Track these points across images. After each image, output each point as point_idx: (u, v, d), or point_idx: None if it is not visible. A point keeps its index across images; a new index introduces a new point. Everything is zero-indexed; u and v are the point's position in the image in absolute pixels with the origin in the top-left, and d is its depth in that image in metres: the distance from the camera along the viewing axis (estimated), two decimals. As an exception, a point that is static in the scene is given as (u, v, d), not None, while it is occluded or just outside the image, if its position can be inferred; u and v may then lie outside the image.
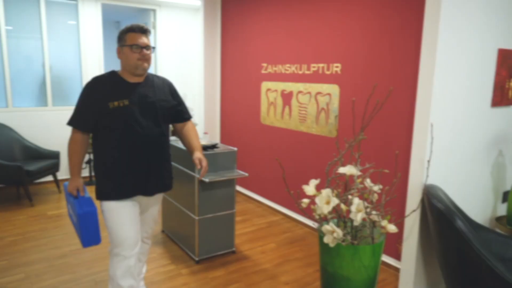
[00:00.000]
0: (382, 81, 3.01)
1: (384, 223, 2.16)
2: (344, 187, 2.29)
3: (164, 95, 2.22)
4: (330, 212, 2.22)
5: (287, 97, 4.05)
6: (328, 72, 3.53)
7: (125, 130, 2.06)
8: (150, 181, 2.18)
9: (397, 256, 3.04)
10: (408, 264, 2.58)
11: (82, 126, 2.07)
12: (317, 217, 2.30)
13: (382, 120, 3.02)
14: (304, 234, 3.74)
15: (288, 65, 3.98)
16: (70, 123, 2.09)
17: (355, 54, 3.25)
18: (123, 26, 2.40)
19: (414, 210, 2.45)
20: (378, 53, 3.05)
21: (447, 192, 2.56)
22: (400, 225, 2.68)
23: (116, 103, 2.03)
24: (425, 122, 2.40)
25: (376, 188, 2.31)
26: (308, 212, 2.45)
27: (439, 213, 2.17)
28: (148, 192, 2.20)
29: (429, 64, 2.35)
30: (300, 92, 3.87)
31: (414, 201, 2.49)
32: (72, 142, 2.08)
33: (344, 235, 2.19)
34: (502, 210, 3.15)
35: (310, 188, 2.28)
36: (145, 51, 2.05)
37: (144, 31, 2.08)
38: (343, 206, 2.25)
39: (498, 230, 2.97)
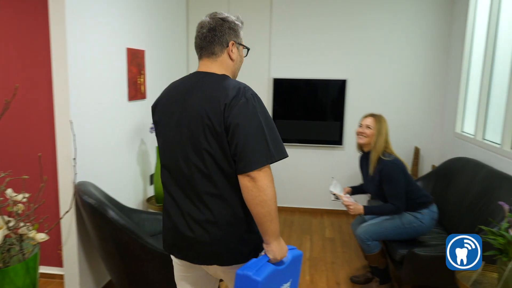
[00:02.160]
0: (14, 82, 2.68)
1: (33, 233, 1.96)
2: (-25, 205, 1.90)
3: None
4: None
5: None
6: None
7: None
8: None
9: (61, 264, 2.88)
10: (71, 267, 2.49)
11: None
12: None
13: (19, 122, 2.72)
14: None
15: None
16: (283, 152, 1.40)
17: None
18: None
19: (67, 211, 2.37)
20: (4, 52, 2.68)
21: (100, 186, 2.63)
22: (57, 229, 2.53)
23: None
24: (65, 120, 2.33)
25: (20, 197, 2.06)
26: None
27: (92, 208, 2.19)
28: None
29: (61, 65, 2.30)
30: None
31: (67, 202, 2.40)
32: (273, 183, 1.39)
33: (-15, 261, 1.84)
34: (151, 191, 3.58)
35: None
36: None
37: None
38: (-23, 228, 1.87)
39: (150, 210, 3.36)
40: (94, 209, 2.18)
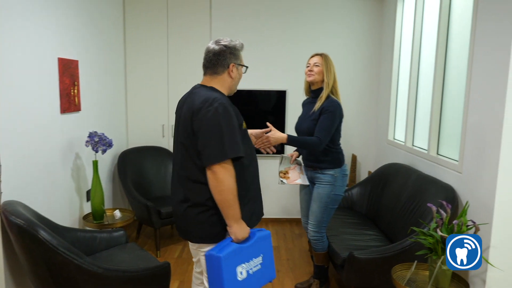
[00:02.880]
0: None
1: (-50, 261, 1.77)
2: None
3: None
4: None
5: None
6: None
7: (250, 155, 1.92)
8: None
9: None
10: (-3, 295, 2.28)
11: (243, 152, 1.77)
12: None
13: None
14: None
15: None
16: (237, 152, 1.72)
17: None
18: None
19: (-9, 234, 2.16)
20: None
21: (30, 205, 2.44)
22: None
23: (244, 124, 1.91)
24: (-12, 134, 2.15)
25: None
26: None
27: (20, 230, 2.03)
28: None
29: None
30: None
31: (-9, 224, 2.20)
32: (232, 177, 1.71)
33: None
34: (88, 208, 3.39)
35: None
36: None
37: None
38: None
39: (86, 227, 3.18)
40: (23, 230, 2.02)
